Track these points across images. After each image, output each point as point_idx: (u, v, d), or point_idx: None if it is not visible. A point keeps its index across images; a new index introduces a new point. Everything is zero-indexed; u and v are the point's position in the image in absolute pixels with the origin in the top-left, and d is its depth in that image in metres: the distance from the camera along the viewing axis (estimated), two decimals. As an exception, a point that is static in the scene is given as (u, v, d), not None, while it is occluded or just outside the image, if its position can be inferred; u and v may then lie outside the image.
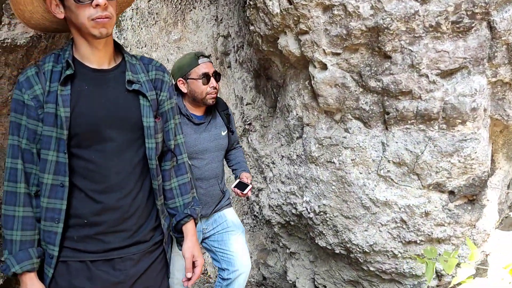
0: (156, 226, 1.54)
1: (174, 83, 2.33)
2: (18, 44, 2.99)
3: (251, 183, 2.47)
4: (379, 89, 2.32)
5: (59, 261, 1.38)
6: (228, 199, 2.62)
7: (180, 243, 1.64)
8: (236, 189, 2.41)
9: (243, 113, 3.50)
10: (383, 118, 2.41)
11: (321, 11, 2.28)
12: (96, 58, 1.40)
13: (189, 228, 1.60)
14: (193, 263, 1.58)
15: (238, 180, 2.46)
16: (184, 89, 2.34)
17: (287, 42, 2.52)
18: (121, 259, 1.42)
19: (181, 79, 2.34)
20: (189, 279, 1.56)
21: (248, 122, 3.43)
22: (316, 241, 2.96)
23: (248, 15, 2.70)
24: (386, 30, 2.16)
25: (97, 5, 1.27)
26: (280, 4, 2.40)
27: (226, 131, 2.49)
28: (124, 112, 1.41)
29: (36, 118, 1.34)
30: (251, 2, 2.61)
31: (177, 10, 4.52)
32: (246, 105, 3.46)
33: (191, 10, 4.32)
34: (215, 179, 2.44)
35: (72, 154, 1.35)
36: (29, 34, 6.00)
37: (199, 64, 2.30)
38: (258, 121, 3.37)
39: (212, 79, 2.31)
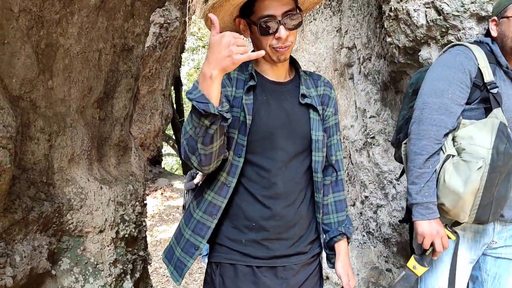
0: (315, 239, 1.55)
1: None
2: (142, 58, 3.20)
3: None
4: None
5: (227, 263, 1.43)
6: None
7: (329, 260, 1.63)
8: None
9: (366, 126, 3.42)
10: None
11: (475, 22, 2.14)
12: (275, 73, 1.49)
13: (342, 246, 1.59)
14: None
15: None
16: (494, 31, 1.76)
17: (430, 54, 2.41)
18: (283, 267, 1.44)
19: (494, 18, 1.76)
20: None
21: (371, 136, 3.34)
22: (444, 266, 2.77)
23: (386, 26, 2.63)
24: (554, 43, 1.96)
25: (279, 37, 1.35)
26: (426, 15, 2.30)
27: None
28: (296, 123, 1.46)
29: None
30: (391, 14, 2.54)
31: (296, 22, 4.57)
32: (370, 117, 3.37)
33: (311, 21, 4.35)
34: None
35: (246, 159, 1.42)
36: (146, 45, 6.48)
37: None
38: (382, 135, 3.27)
39: None
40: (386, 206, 3.32)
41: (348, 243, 1.62)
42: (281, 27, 1.34)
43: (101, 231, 2.23)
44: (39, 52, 1.95)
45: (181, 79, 15.27)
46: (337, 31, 3.88)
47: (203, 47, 16.32)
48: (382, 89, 3.21)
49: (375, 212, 3.52)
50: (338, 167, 1.61)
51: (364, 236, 4.20)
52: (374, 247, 3.94)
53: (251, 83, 1.43)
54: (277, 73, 1.49)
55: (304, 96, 1.49)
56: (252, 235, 1.43)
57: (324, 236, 1.60)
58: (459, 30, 2.20)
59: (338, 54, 3.85)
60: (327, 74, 4.19)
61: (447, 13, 2.19)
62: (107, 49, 2.49)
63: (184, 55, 15.95)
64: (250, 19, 1.39)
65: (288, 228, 1.45)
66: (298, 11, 1.39)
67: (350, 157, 3.92)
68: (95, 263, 2.18)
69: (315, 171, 1.49)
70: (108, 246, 2.28)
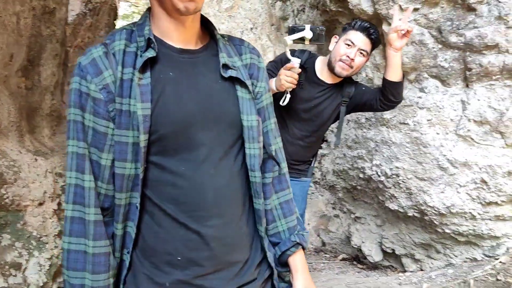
0: (262, 259, 1.13)
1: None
2: (66, 22, 3.04)
3: None
4: (461, 44, 2.22)
5: None
6: None
7: (283, 279, 1.22)
8: None
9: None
10: (463, 75, 2.32)
11: (400, -35, 2.19)
12: (182, 36, 1.02)
13: (298, 260, 1.17)
14: None
15: None
16: None
17: (359, 0, 2.45)
18: None
19: None
20: None
21: (310, 87, 3.39)
22: (385, 205, 2.94)
23: (316, -25, 2.63)
24: (472, -19, 2.05)
25: None
26: (354, -40, 2.33)
27: None
28: (220, 107, 1.03)
29: (106, 117, 0.95)
30: (320, -39, 2.54)
31: (229, -22, 4.47)
32: (308, 70, 3.41)
33: (244, -24, 4.27)
34: None
35: (155, 164, 0.98)
36: (75, 12, 6.16)
37: None
38: (320, 86, 3.33)
39: None
40: (329, 154, 3.43)
41: (304, 252, 1.21)
42: None
43: (40, 204, 2.15)
44: None
45: (118, 48, 14.63)
46: (270, -16, 3.84)
47: (138, 13, 15.63)
48: (318, 40, 3.24)
49: (319, 162, 3.64)
50: (281, 157, 1.18)
51: (311, 186, 4.34)
52: (322, 195, 4.09)
53: (149, 54, 0.96)
54: (185, 37, 1.02)
55: (226, 67, 1.05)
56: (178, 275, 1.00)
57: (274, 250, 1.18)
58: (385, -27, 2.24)
59: (273, 8, 3.82)
60: (264, 30, 4.17)
61: (373, -43, 2.23)
62: (26, 12, 2.32)
63: (118, 23, 15.23)
64: None
65: (228, 255, 1.04)
66: None
67: (292, 111, 3.97)
68: (38, 236, 2.12)
69: (251, 169, 1.06)
70: (50, 218, 2.21)
